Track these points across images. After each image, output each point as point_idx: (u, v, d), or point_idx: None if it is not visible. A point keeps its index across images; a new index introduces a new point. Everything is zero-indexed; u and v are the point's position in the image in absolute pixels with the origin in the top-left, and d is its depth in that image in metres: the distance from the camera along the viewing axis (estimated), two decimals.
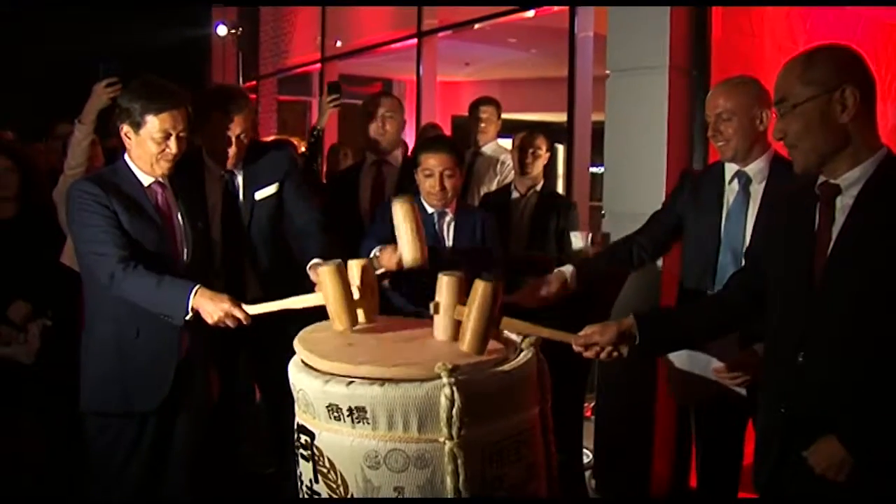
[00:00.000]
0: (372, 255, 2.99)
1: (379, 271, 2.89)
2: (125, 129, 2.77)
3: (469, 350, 2.18)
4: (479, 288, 2.18)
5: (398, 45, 7.91)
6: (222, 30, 10.59)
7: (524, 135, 4.33)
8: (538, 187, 4.32)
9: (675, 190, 3.13)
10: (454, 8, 7.10)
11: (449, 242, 3.32)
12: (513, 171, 4.52)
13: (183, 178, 2.95)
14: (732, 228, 2.84)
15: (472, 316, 2.17)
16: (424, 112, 7.53)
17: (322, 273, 2.41)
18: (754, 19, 4.08)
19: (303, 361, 2.21)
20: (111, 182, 2.78)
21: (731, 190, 2.88)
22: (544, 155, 4.33)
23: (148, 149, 2.75)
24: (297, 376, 2.14)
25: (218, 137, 3.15)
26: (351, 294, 2.42)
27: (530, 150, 4.27)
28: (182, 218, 2.89)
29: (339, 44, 9.03)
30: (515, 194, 4.32)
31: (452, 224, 3.33)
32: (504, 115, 5.16)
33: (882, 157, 2.00)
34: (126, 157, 2.83)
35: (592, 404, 4.19)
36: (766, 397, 2.21)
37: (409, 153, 4.05)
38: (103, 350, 2.80)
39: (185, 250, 2.87)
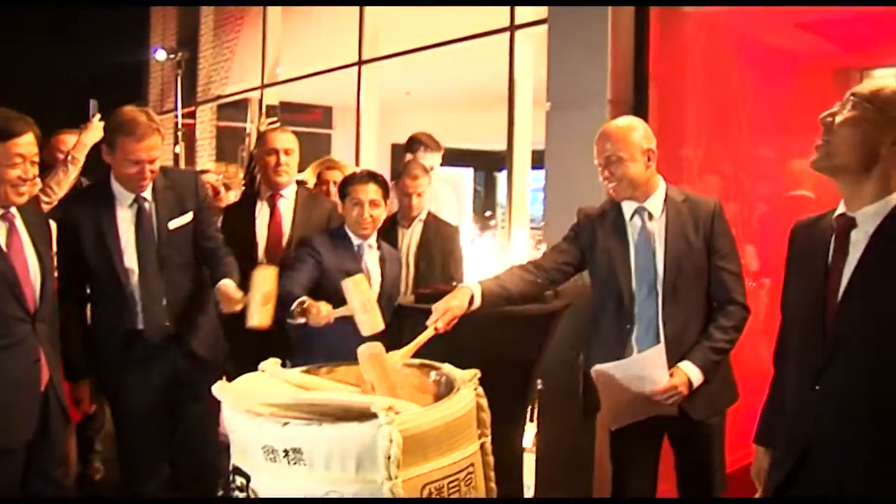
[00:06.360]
0: (296, 305, 3.00)
1: (300, 320, 2.97)
2: None
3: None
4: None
5: (339, 72, 7.87)
6: (161, 55, 10.44)
7: (404, 165, 4.39)
8: (422, 216, 4.36)
9: (577, 225, 3.15)
10: (395, 36, 7.13)
11: (378, 277, 3.47)
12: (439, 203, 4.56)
13: (31, 211, 2.89)
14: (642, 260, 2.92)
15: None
16: (365, 140, 7.53)
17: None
18: (688, 57, 4.16)
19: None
20: None
21: (634, 226, 2.97)
22: (426, 184, 4.35)
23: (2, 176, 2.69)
24: (230, 416, 2.09)
25: (126, 163, 3.10)
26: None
27: (409, 181, 4.29)
28: (35, 252, 2.83)
29: (279, 70, 8.96)
30: (401, 225, 4.35)
31: (378, 257, 3.48)
32: (444, 144, 5.16)
33: None
34: None
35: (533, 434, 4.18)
36: (786, 425, 2.18)
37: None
38: None
39: (36, 285, 2.81)
